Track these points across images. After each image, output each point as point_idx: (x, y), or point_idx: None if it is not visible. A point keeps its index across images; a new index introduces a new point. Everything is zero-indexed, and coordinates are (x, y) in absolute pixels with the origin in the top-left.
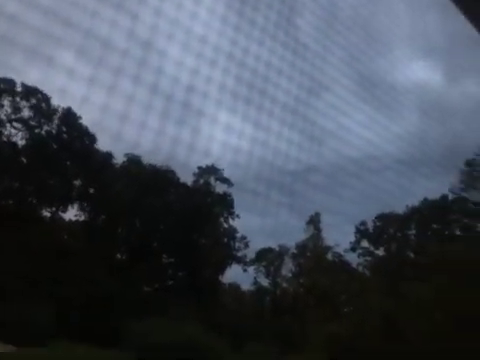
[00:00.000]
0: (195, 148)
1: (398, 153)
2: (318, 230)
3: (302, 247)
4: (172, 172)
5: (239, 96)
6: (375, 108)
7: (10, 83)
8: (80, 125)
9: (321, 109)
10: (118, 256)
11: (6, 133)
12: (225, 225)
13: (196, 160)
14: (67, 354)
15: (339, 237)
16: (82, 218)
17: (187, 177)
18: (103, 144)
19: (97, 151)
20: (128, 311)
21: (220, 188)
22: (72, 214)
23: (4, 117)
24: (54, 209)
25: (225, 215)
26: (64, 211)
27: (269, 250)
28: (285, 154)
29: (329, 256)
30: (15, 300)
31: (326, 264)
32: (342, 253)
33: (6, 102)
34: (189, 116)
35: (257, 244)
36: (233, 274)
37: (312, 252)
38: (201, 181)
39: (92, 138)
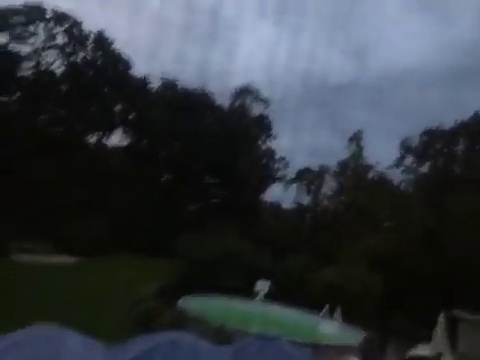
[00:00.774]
0: (231, 69)
1: (448, 63)
2: (360, 148)
3: (343, 165)
4: (207, 95)
5: (276, 11)
6: (425, 12)
7: (41, 10)
8: (113, 50)
9: (364, 17)
10: (162, 177)
11: (43, 62)
12: (263, 147)
13: (233, 81)
14: (126, 263)
15: (382, 154)
16: (125, 143)
17: (224, 99)
18: (138, 68)
19: (132, 76)
20: (174, 228)
21: (258, 109)
22: (116, 140)
23: (39, 45)
24: (98, 136)
25: (263, 137)
26: (108, 137)
27: (309, 170)
28: (326, 70)
29: (371, 174)
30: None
31: (367, 182)
32: (385, 171)
33: (40, 30)
34: (223, 37)
35: (298, 164)
36: (274, 194)
37: (353, 170)
38: (237, 103)
39: (126, 63)
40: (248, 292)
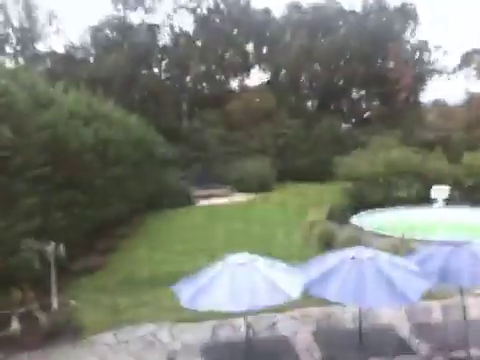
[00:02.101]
0: None
1: None
2: None
3: None
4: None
5: None
6: None
7: None
8: None
9: None
10: (308, 104)
11: (176, 25)
12: (412, 40)
13: None
14: (294, 192)
15: None
16: (265, 79)
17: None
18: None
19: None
20: (330, 151)
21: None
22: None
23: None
24: (240, 79)
25: (409, 28)
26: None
27: (477, 51)
28: None
29: None
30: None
31: None
32: None
33: None
34: None
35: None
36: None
37: None
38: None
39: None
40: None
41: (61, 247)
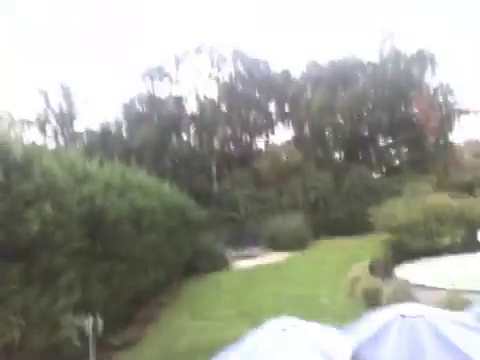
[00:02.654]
0: None
1: None
2: None
3: None
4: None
5: None
6: None
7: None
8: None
9: None
10: (336, 156)
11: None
12: (433, 84)
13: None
14: (330, 248)
15: None
16: (290, 136)
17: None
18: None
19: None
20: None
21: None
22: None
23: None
24: (266, 139)
25: (430, 72)
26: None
27: None
28: None
29: None
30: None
31: None
32: None
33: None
34: None
35: None
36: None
37: None
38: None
39: (266, 65)
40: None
41: (99, 321)
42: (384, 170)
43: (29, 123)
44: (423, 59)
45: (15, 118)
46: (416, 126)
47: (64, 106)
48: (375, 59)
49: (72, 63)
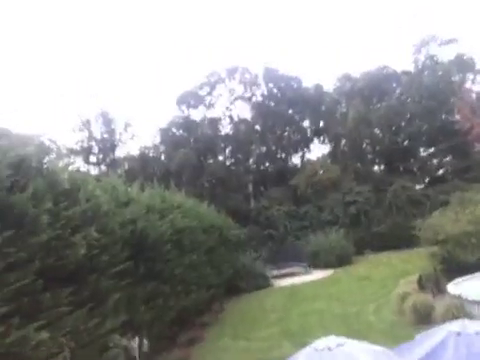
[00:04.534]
0: None
1: None
2: None
3: None
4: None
5: None
6: None
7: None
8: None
9: None
10: (375, 168)
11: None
12: (474, 88)
13: None
14: (377, 260)
15: None
16: (326, 150)
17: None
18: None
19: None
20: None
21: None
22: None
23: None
24: (302, 154)
25: (470, 77)
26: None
27: None
28: None
29: None
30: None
31: None
32: None
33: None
34: None
35: None
36: None
37: None
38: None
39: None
40: None
41: (145, 342)
42: (427, 180)
43: (74, 151)
44: (462, 64)
45: (60, 147)
46: (459, 133)
47: (105, 134)
48: (410, 68)
49: (110, 90)
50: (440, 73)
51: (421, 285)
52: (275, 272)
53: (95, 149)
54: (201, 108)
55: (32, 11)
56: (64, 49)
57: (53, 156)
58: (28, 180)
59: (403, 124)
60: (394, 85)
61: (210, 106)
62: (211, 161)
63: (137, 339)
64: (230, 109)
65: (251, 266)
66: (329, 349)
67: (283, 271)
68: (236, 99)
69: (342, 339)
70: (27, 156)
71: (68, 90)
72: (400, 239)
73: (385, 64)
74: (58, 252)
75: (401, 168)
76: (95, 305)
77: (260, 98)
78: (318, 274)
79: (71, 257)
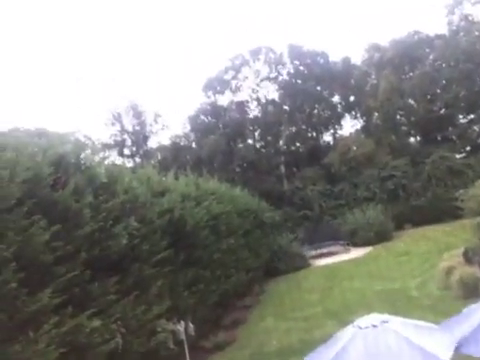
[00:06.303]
0: None
1: None
2: None
3: None
4: None
5: None
6: None
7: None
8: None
9: None
10: (411, 140)
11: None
12: None
13: None
14: (418, 234)
15: None
16: (359, 126)
17: None
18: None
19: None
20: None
21: None
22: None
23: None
24: (333, 131)
25: None
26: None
27: None
28: None
29: None
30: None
31: None
32: None
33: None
34: None
35: None
36: None
37: None
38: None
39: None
40: None
41: (190, 325)
42: (468, 149)
43: (108, 145)
44: None
45: (95, 142)
46: None
47: (137, 126)
48: (443, 31)
49: (137, 83)
50: (477, 33)
51: (467, 258)
52: (313, 252)
53: (128, 142)
54: (227, 93)
55: (54, 5)
56: (89, 45)
57: (89, 152)
58: (68, 176)
59: (439, 91)
60: (427, 51)
61: (236, 90)
62: (241, 145)
63: (183, 323)
64: (256, 91)
65: (288, 247)
66: (374, 326)
67: (321, 251)
68: (262, 80)
69: (386, 316)
70: (65, 153)
71: (96, 84)
72: (442, 211)
73: (415, 29)
74: (101, 243)
75: (439, 138)
76: (140, 292)
77: (286, 77)
78: (357, 252)
79: (114, 247)
